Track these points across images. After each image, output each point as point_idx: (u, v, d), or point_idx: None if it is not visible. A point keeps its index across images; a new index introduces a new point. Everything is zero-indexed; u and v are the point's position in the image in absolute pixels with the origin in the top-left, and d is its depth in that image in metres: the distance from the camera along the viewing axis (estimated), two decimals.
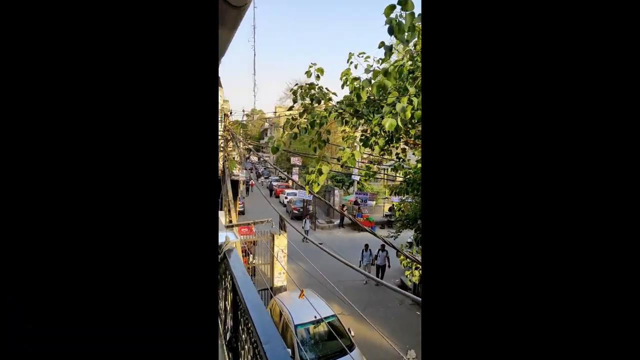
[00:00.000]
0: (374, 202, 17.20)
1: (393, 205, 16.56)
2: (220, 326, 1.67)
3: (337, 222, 16.37)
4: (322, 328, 5.62)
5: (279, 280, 7.80)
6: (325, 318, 5.32)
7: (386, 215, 16.51)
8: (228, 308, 1.53)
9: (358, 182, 17.68)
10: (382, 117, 2.50)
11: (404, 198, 6.60)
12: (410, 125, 3.59)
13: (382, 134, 3.51)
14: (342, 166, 3.45)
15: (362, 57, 3.91)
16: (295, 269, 9.58)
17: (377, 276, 9.16)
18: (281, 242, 7.64)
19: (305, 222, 13.74)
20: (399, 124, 2.48)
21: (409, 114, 2.43)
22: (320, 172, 3.44)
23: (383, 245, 9.13)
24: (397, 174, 5.56)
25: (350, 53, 3.84)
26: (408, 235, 9.38)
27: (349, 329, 5.59)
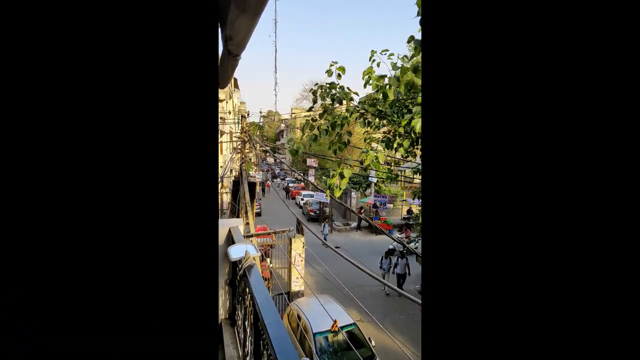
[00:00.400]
0: (392, 205, 16.88)
1: (411, 207, 16.29)
2: (239, 348, 1.53)
3: (354, 224, 16.13)
4: (342, 336, 5.42)
5: (296, 285, 7.65)
6: (345, 327, 5.12)
7: (404, 218, 16.15)
8: (248, 330, 1.38)
9: (375, 184, 17.40)
10: (413, 118, 2.29)
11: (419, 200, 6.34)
12: None
13: (411, 135, 3.30)
14: (365, 169, 3.26)
15: (385, 54, 3.72)
16: (312, 273, 9.42)
17: (398, 285, 8.55)
18: (298, 246, 7.49)
19: (324, 226, 13.32)
20: None
21: None
22: (342, 176, 3.27)
23: (402, 252, 8.75)
24: (418, 177, 5.32)
25: (372, 51, 3.65)
26: None
27: (369, 338, 5.38)
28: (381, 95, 2.58)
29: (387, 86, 2.51)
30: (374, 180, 16.43)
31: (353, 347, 4.52)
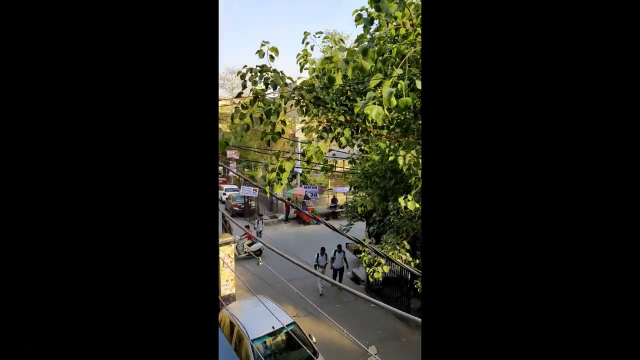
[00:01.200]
0: (319, 195, 17.08)
1: (335, 196, 16.72)
2: None
3: (281, 216, 15.86)
4: (282, 337, 5.15)
5: (227, 289, 7.06)
6: (285, 327, 4.86)
7: (330, 207, 16.49)
8: None
9: (301, 175, 17.34)
10: (366, 104, 2.07)
11: (354, 190, 6.37)
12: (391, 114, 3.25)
13: (358, 123, 3.10)
14: (307, 162, 2.97)
15: (320, 37, 3.42)
16: (243, 272, 8.88)
17: (338, 280, 8.31)
18: (226, 247, 6.88)
19: (257, 222, 12.28)
20: (386, 112, 2.09)
21: (394, 101, 2.05)
22: (282, 170, 2.93)
23: (340, 246, 8.43)
24: (356, 167, 5.27)
25: (305, 32, 3.34)
26: (360, 227, 9.29)
27: (309, 335, 5.21)
28: (327, 79, 2.29)
29: (335, 70, 2.24)
30: (300, 170, 16.34)
31: (305, 345, 4.29)
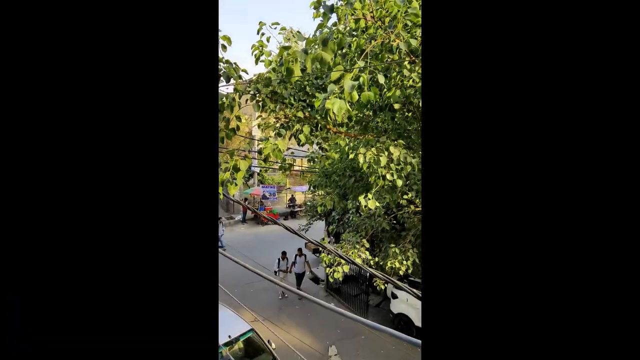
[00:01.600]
0: (278, 194, 16.76)
1: (293, 195, 16.53)
2: None
3: (238, 217, 15.32)
4: (239, 346, 4.87)
5: None
6: (241, 335, 4.60)
7: (289, 206, 16.27)
8: None
9: (259, 174, 16.89)
10: (327, 98, 1.94)
11: (313, 189, 6.26)
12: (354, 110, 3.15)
13: (316, 119, 2.96)
14: (265, 161, 2.78)
15: (276, 28, 3.23)
16: None
17: (297, 286, 7.86)
18: None
19: (219, 226, 10.99)
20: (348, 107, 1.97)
21: (355, 96, 1.94)
22: (236, 169, 2.70)
23: (300, 249, 8.05)
24: (314, 165, 5.15)
25: (260, 22, 3.13)
26: (319, 226, 9.21)
27: (268, 341, 5.00)
28: (284, 70, 2.13)
29: (293, 60, 2.08)
30: (257, 169, 15.90)
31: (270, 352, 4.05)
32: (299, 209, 15.85)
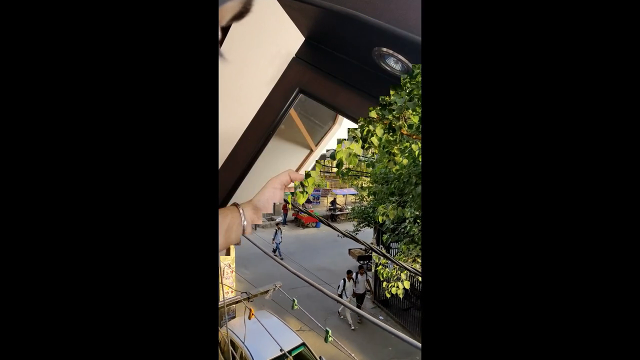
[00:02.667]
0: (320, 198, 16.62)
1: (335, 198, 16.28)
2: None
3: (279, 219, 15.31)
4: None
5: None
6: (293, 349, 4.33)
7: (329, 209, 16.02)
8: None
9: None
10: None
11: (363, 196, 5.89)
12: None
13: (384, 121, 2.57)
14: (337, 166, 2.44)
15: None
16: (239, 279, 8.33)
17: (357, 306, 6.96)
18: (226, 256, 6.30)
19: (276, 233, 10.39)
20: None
21: None
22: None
23: (361, 267, 7.28)
24: (375, 170, 4.78)
25: None
26: (366, 233, 8.79)
27: (320, 358, 4.70)
28: None
29: None
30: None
31: None
32: (339, 212, 15.55)
